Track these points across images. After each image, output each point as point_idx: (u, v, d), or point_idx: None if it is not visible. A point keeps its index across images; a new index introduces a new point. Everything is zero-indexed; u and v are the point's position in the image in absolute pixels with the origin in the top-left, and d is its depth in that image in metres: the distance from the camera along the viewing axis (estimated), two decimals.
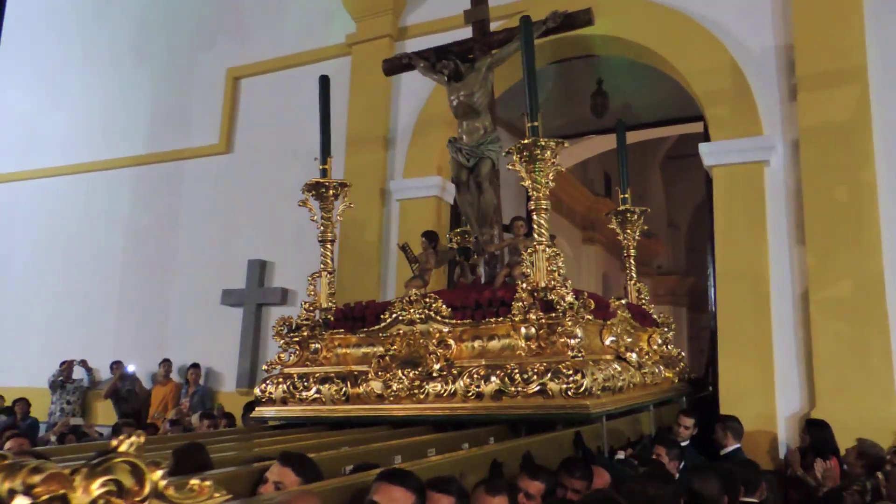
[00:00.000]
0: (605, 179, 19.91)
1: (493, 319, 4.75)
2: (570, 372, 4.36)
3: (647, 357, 5.63)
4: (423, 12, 8.69)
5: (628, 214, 6.60)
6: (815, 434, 5.62)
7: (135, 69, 10.79)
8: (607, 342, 5.30)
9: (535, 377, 4.44)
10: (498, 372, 4.57)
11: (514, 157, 4.84)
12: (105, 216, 10.50)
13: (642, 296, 6.56)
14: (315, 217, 5.53)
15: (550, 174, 4.84)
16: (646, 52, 7.48)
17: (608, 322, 5.29)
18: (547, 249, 4.75)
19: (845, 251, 6.19)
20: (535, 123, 4.88)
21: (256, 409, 5.32)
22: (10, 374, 10.17)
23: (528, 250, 4.81)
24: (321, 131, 5.57)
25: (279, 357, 5.33)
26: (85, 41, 11.36)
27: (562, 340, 4.50)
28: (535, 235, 4.81)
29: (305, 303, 5.39)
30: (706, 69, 7.01)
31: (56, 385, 9.62)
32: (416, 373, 4.77)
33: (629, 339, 5.52)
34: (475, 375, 4.63)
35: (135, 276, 10.09)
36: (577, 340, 4.46)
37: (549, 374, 4.40)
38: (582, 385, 4.31)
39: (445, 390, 4.70)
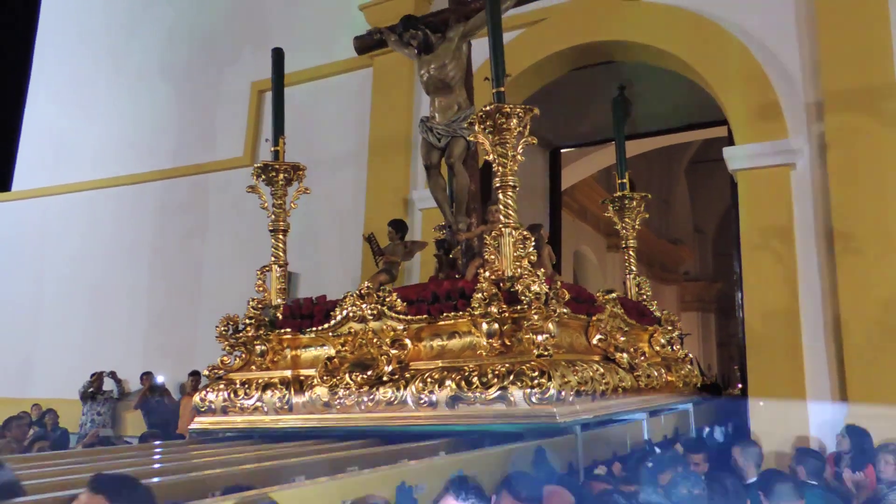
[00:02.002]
0: (629, 185, 19.11)
1: (450, 314, 3.98)
2: (535, 374, 3.57)
3: (642, 358, 4.80)
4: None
5: (626, 201, 5.79)
6: (854, 441, 5.13)
7: (162, 85, 10.58)
8: (594, 341, 4.51)
9: (495, 380, 3.66)
10: (454, 375, 3.80)
11: (477, 128, 4.09)
12: (133, 229, 10.27)
13: (643, 291, 5.73)
14: (266, 204, 4.81)
15: (519, 146, 4.08)
16: (668, 56, 7.12)
17: (594, 318, 4.49)
18: (514, 233, 3.98)
19: (875, 252, 5.82)
20: (501, 89, 4.12)
21: (196, 419, 4.61)
22: (44, 386, 10.04)
23: (493, 233, 4.04)
24: (273, 109, 4.89)
25: (222, 361, 4.62)
26: (114, 58, 11.21)
27: (527, 337, 3.73)
28: (501, 217, 4.04)
29: (253, 300, 4.68)
30: (729, 73, 6.66)
31: (86, 396, 9.36)
32: (365, 377, 4.02)
33: (622, 339, 4.70)
34: (428, 379, 3.87)
35: (163, 288, 9.81)
36: (544, 337, 3.67)
37: (512, 377, 3.62)
38: (548, 389, 3.52)
39: (396, 397, 3.94)
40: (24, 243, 11.26)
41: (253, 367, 4.52)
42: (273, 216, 4.82)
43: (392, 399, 3.94)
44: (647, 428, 4.74)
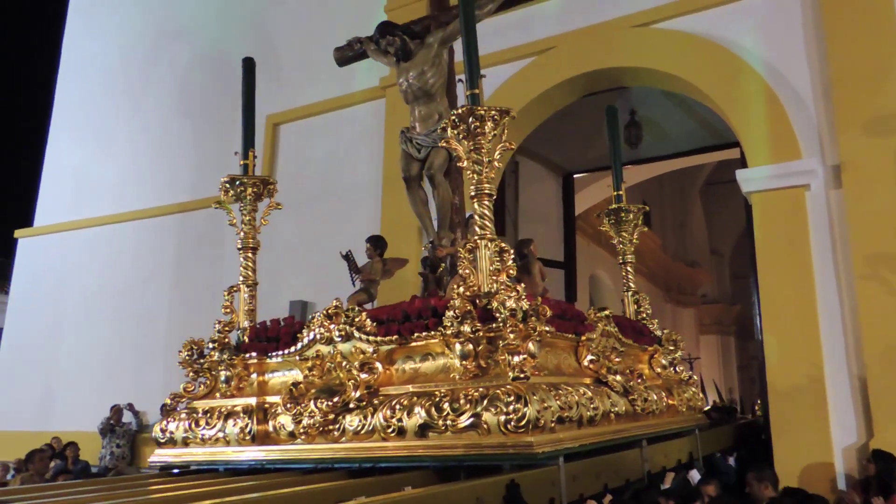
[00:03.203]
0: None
1: (421, 334, 3.63)
2: (511, 399, 3.21)
3: (639, 381, 4.41)
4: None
5: (623, 214, 5.43)
6: (881, 466, 4.92)
7: (179, 120, 10.58)
8: (585, 362, 4.14)
9: (467, 406, 3.30)
10: (423, 401, 3.43)
11: (449, 133, 3.76)
12: (152, 262, 10.21)
13: (642, 309, 5.34)
14: (234, 221, 4.51)
15: (496, 151, 3.75)
16: (678, 81, 7.04)
17: (583, 337, 4.12)
18: (490, 244, 3.64)
19: (894, 273, 5.68)
20: (475, 91, 3.80)
21: (155, 452, 4.27)
22: (64, 419, 9.98)
23: (468, 245, 3.70)
24: (244, 120, 4.59)
25: (185, 388, 4.29)
26: (133, 95, 11.26)
27: (503, 358, 3.36)
28: (477, 228, 3.70)
29: (219, 322, 4.35)
30: (740, 96, 6.56)
31: (106, 429, 9.28)
32: (331, 404, 3.67)
33: (617, 360, 4.32)
34: (397, 406, 3.51)
35: (181, 320, 9.63)
36: (521, 358, 3.31)
37: (486, 402, 3.26)
38: (524, 415, 3.15)
39: (363, 426, 3.58)
40: (45, 277, 11.25)
41: (217, 395, 4.19)
42: (242, 233, 4.51)
43: (359, 428, 3.59)
44: (645, 457, 4.32)
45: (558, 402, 3.39)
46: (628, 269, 5.45)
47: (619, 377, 4.16)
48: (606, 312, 4.39)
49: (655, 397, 4.56)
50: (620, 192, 5.45)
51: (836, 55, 6.17)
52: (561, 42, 7.59)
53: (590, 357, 4.14)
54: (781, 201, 6.21)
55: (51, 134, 12.20)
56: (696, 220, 21.95)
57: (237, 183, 4.49)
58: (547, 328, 3.58)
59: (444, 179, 4.72)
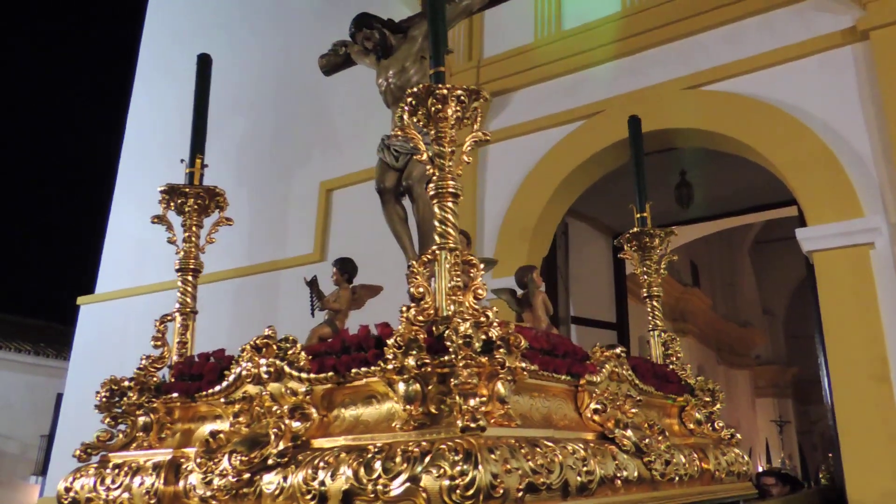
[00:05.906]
0: (692, 269, 18.38)
1: (359, 371, 2.72)
2: (458, 457, 2.25)
3: (661, 439, 3.37)
4: (504, 119, 8.23)
5: (646, 239, 4.46)
6: None
7: (235, 189, 10.57)
8: (587, 413, 3.15)
9: (403, 466, 2.35)
10: (352, 458, 2.50)
11: (406, 120, 2.91)
12: (211, 325, 10.00)
13: (671, 351, 4.31)
14: (174, 238, 3.71)
15: (467, 142, 2.88)
16: (731, 141, 6.81)
17: (582, 381, 3.14)
18: (450, 255, 2.73)
19: None
20: (440, 69, 2.96)
21: None
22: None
23: (422, 258, 2.79)
24: (194, 123, 3.87)
25: (98, 438, 3.44)
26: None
27: (453, 402, 2.42)
28: (436, 236, 2.80)
29: (147, 357, 3.52)
30: (797, 155, 6.29)
31: None
32: (245, 459, 2.76)
33: (633, 411, 3.32)
34: (320, 464, 2.58)
35: None
36: (477, 401, 2.36)
37: (427, 461, 2.30)
38: (473, 481, 2.19)
39: (282, 489, 2.65)
40: (105, 342, 11.05)
41: (133, 446, 3.32)
42: (182, 252, 3.70)
43: (276, 492, 2.66)
44: None
45: (531, 463, 2.41)
46: (654, 303, 4.43)
47: (629, 432, 3.14)
48: (618, 350, 3.39)
49: (683, 460, 3.51)
50: (644, 215, 4.48)
51: (893, 112, 5.87)
52: (610, 105, 7.42)
53: (594, 406, 3.16)
54: (845, 260, 5.92)
55: (114, 204, 12.27)
56: (745, 279, 20.88)
57: (178, 193, 3.67)
58: (524, 365, 2.63)
59: (426, 192, 3.84)
